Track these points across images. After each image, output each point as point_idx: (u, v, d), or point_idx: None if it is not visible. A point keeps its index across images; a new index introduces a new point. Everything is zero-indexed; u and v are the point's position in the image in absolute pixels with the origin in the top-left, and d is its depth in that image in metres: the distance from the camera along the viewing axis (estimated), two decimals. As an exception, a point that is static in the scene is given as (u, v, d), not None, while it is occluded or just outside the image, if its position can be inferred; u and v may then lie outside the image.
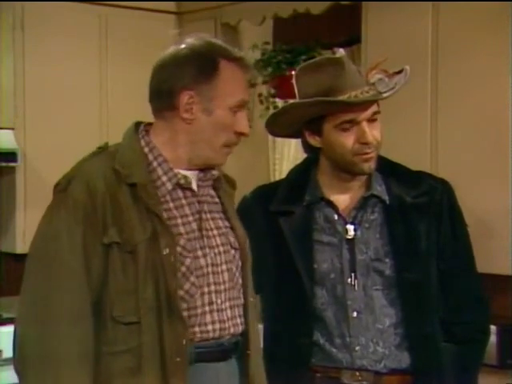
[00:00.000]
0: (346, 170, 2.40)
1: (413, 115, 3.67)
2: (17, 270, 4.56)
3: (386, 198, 2.42)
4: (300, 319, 2.41)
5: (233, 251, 2.10)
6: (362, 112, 2.33)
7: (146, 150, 2.04)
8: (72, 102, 4.47)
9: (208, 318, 2.00)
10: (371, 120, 2.35)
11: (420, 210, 2.42)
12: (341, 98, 2.31)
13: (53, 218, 1.98)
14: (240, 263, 2.12)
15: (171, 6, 4.78)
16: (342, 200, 2.44)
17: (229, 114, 2.01)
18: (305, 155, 5.00)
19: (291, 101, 2.49)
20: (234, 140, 2.05)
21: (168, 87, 2.00)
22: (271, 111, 4.60)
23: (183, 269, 1.97)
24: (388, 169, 2.46)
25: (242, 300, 2.10)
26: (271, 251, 2.46)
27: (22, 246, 4.35)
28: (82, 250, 1.91)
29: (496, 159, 3.43)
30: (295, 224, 2.43)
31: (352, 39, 4.28)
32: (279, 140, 4.96)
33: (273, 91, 4.54)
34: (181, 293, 1.95)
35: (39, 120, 4.36)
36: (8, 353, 3.91)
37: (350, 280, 2.39)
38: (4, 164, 4.25)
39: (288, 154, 5.01)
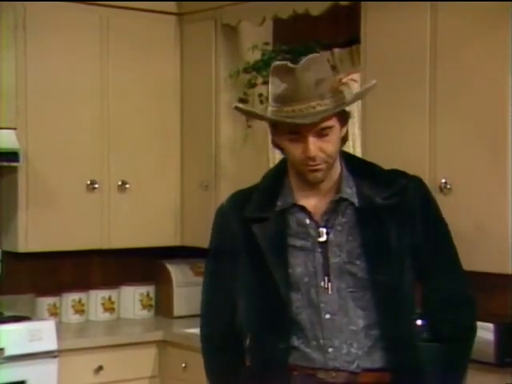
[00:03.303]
0: (301, 175, 2.43)
1: (411, 115, 3.66)
2: (18, 269, 4.60)
3: (355, 200, 2.42)
4: (277, 324, 2.43)
5: None
6: (305, 127, 2.33)
7: None
8: (73, 102, 4.46)
9: None
10: (321, 134, 2.34)
11: (391, 211, 2.41)
12: (285, 109, 2.31)
13: None
14: None
15: (172, 7, 4.77)
16: (314, 204, 2.44)
17: None
18: None
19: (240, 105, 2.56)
20: None
21: None
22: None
23: None
24: (361, 170, 2.47)
25: None
26: (247, 257, 2.47)
27: (23, 245, 4.36)
28: None
29: (495, 159, 3.41)
30: (269, 230, 2.44)
31: (351, 39, 4.28)
32: None
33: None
34: None
35: (41, 120, 4.36)
36: (10, 351, 3.95)
37: (323, 283, 2.40)
38: (6, 164, 4.24)
39: None
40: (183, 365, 4.29)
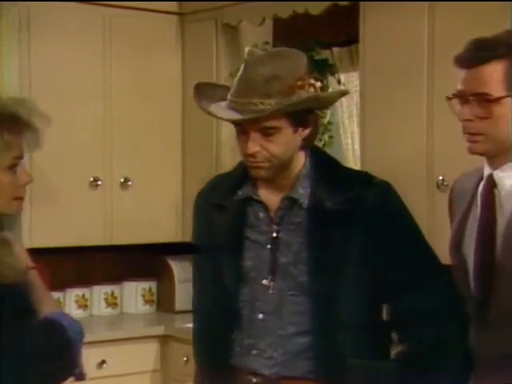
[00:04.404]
0: None
1: (409, 113, 3.69)
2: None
3: (304, 201, 2.32)
4: (222, 316, 2.38)
5: None
6: (247, 123, 2.25)
7: None
8: (76, 101, 4.48)
9: None
10: (265, 133, 2.26)
11: (342, 217, 2.28)
12: (231, 100, 2.25)
13: None
14: None
15: (173, 6, 4.79)
16: (271, 198, 2.37)
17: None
18: None
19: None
20: None
21: None
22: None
23: None
24: (324, 172, 2.36)
25: None
26: (207, 245, 2.44)
27: (27, 241, 4.39)
28: None
29: None
30: (227, 219, 2.39)
31: (350, 39, 4.30)
32: None
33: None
34: None
35: (44, 118, 4.41)
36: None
37: (265, 281, 2.33)
38: (10, 162, 4.30)
39: None
40: (185, 359, 4.32)
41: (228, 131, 4.67)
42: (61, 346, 2.01)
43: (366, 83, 3.95)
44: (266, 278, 2.34)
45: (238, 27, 4.66)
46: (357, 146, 4.56)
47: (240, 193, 2.39)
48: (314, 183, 2.34)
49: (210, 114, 2.33)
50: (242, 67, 2.27)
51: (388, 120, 3.83)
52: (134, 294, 4.89)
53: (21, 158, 2.09)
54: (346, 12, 4.12)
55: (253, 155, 2.27)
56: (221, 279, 2.38)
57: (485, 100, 2.10)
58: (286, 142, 2.28)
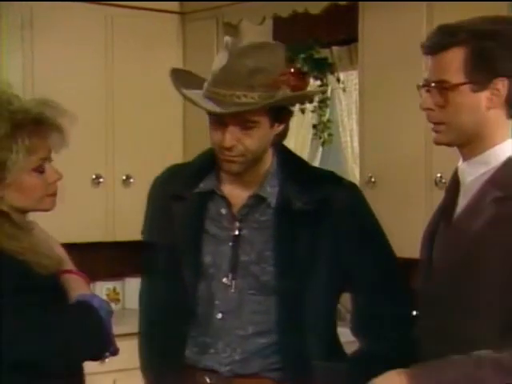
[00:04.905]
0: None
1: (407, 111, 3.69)
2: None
3: (273, 200, 2.26)
4: (177, 312, 2.30)
5: None
6: (225, 116, 2.16)
7: None
8: (79, 99, 4.50)
9: None
10: (244, 126, 2.17)
11: (310, 218, 2.23)
12: (211, 90, 2.16)
13: None
14: None
15: (174, 6, 4.83)
16: (236, 194, 2.29)
17: None
18: (303, 150, 5.08)
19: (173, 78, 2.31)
20: None
21: None
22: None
23: None
24: (292, 170, 2.30)
25: None
26: (163, 237, 2.33)
27: (30, 238, 4.46)
28: None
29: None
30: (187, 211, 2.29)
31: (349, 38, 4.33)
32: None
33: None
34: None
35: (47, 117, 4.46)
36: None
37: (225, 279, 2.25)
38: (13, 159, 4.34)
39: None
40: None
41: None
42: (95, 326, 2.10)
43: (365, 81, 3.99)
44: (227, 277, 2.25)
45: (239, 26, 4.65)
46: (356, 144, 4.60)
47: (202, 185, 2.30)
48: (281, 182, 2.27)
49: (191, 101, 2.23)
50: (223, 57, 2.16)
51: (386, 118, 3.87)
52: (136, 290, 4.90)
53: (48, 158, 2.13)
54: (345, 11, 4.14)
55: (229, 149, 2.18)
56: (177, 274, 2.28)
57: (444, 88, 1.99)
58: (263, 136, 2.20)
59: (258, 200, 2.28)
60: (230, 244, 2.26)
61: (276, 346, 2.24)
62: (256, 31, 4.64)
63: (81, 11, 4.53)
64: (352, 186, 2.38)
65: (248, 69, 2.13)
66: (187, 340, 2.28)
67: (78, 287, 2.17)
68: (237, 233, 2.26)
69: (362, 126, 4.07)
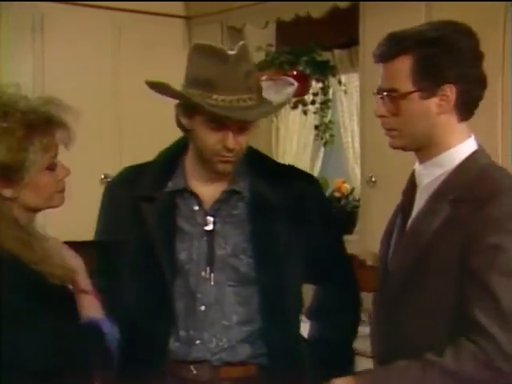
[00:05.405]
0: (206, 163, 2.31)
1: None
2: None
3: (246, 194, 2.32)
4: (157, 310, 2.31)
5: None
6: (231, 120, 2.21)
7: None
8: (88, 101, 4.56)
9: None
10: (243, 128, 2.23)
11: (284, 211, 2.31)
12: (216, 97, 2.18)
13: None
14: None
15: (180, 10, 4.90)
16: (206, 191, 2.33)
17: None
18: (305, 151, 5.15)
19: (167, 84, 2.37)
20: None
21: None
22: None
23: None
24: (259, 166, 2.36)
25: None
26: (134, 238, 2.33)
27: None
28: None
29: (488, 152, 3.50)
30: (158, 211, 2.32)
31: (350, 41, 4.39)
32: (282, 136, 5.10)
33: (276, 90, 4.70)
34: None
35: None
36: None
37: (204, 273, 2.29)
38: (24, 160, 4.42)
39: (290, 149, 5.11)
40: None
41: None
42: (100, 348, 2.10)
43: (366, 84, 4.02)
44: (205, 271, 2.29)
45: (243, 30, 4.74)
46: (357, 144, 4.67)
47: (171, 184, 2.34)
48: (251, 177, 2.33)
49: (216, 113, 2.20)
50: (217, 63, 2.19)
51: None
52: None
53: (56, 155, 2.13)
54: (346, 15, 4.19)
55: (232, 150, 2.24)
56: (152, 273, 2.30)
57: (394, 96, 2.00)
58: (249, 137, 2.28)
59: (230, 195, 2.33)
60: (205, 239, 2.30)
61: (260, 333, 2.30)
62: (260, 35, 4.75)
63: (89, 15, 4.60)
64: (314, 178, 2.51)
65: (244, 72, 2.20)
66: (169, 336, 2.30)
67: (91, 308, 2.15)
68: (211, 227, 2.30)
69: (363, 127, 4.11)
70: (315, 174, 5.12)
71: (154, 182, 2.36)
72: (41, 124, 2.05)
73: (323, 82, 4.72)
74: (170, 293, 2.29)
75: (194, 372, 2.29)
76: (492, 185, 1.97)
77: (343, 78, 4.75)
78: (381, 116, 2.05)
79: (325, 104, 4.76)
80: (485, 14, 3.47)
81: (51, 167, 2.10)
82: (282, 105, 2.36)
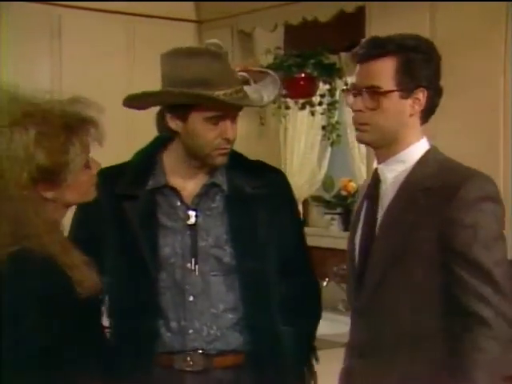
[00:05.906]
0: (199, 160, 2.38)
1: None
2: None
3: (225, 187, 2.40)
4: (143, 304, 2.35)
5: None
6: (232, 111, 2.33)
7: None
8: (103, 104, 4.73)
9: None
10: (233, 118, 2.35)
11: (260, 200, 2.41)
12: (217, 93, 2.27)
13: None
14: None
15: (192, 15, 4.97)
16: (186, 186, 2.40)
17: None
18: (312, 150, 5.23)
19: (170, 89, 2.39)
20: None
21: None
22: (283, 110, 4.81)
23: None
24: (232, 159, 2.42)
25: None
26: (116, 235, 2.39)
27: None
28: None
29: (487, 152, 3.48)
30: (140, 208, 2.37)
31: (356, 44, 4.35)
32: (290, 136, 5.16)
33: (284, 92, 4.69)
34: None
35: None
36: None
37: (189, 265, 2.36)
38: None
39: (298, 149, 5.17)
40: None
41: (241, 132, 4.81)
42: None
43: None
44: (190, 262, 2.36)
45: (253, 34, 4.82)
46: (362, 145, 4.76)
47: (152, 182, 2.39)
48: (227, 171, 2.42)
49: (235, 104, 2.31)
50: (206, 62, 2.29)
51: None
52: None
53: (89, 152, 2.14)
54: (352, 19, 4.25)
55: (231, 141, 2.35)
56: (136, 269, 2.35)
57: (375, 92, 2.15)
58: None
59: (210, 188, 2.41)
60: (188, 233, 2.37)
61: (245, 321, 2.39)
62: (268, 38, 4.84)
63: (105, 20, 4.67)
64: (281, 171, 2.61)
65: (230, 67, 2.34)
66: (159, 329, 2.36)
67: None
68: (193, 221, 2.37)
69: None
70: (322, 172, 5.23)
71: (134, 180, 2.40)
72: (78, 125, 2.08)
73: (330, 83, 4.79)
74: (156, 288, 2.35)
75: (190, 362, 2.35)
76: (459, 173, 2.17)
77: (349, 80, 4.74)
78: (357, 110, 2.20)
79: (332, 105, 4.83)
80: (487, 14, 3.51)
81: (88, 165, 2.12)
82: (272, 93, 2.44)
